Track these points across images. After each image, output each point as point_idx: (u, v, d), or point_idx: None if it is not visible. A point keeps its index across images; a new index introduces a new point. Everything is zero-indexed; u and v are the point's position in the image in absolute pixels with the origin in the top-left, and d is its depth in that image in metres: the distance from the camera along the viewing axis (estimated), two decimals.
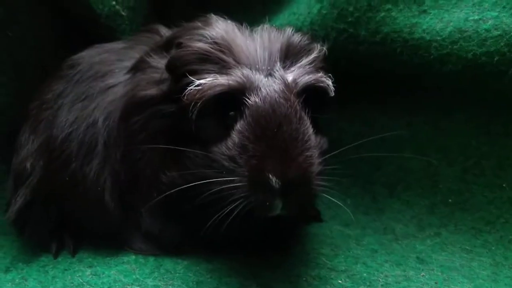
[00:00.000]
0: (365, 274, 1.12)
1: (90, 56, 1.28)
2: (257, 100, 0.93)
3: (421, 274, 1.13)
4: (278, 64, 0.98)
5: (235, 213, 0.92)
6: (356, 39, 1.35)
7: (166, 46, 1.10)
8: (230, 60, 0.97)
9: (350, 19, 1.33)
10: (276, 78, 0.96)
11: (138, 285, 1.06)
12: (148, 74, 1.10)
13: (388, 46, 1.31)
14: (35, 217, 1.23)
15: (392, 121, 1.48)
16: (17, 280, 1.12)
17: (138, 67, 1.14)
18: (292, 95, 0.95)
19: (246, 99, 0.94)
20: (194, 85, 0.95)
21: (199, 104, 0.94)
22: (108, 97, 1.17)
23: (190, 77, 0.96)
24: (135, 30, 1.53)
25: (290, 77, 0.98)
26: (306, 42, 1.05)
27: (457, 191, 1.40)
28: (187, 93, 0.96)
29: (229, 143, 0.95)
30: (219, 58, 0.97)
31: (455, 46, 1.22)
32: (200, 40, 1.00)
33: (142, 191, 1.13)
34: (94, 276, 1.11)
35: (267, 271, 1.11)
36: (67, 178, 1.16)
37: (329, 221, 1.45)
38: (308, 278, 1.10)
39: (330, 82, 1.03)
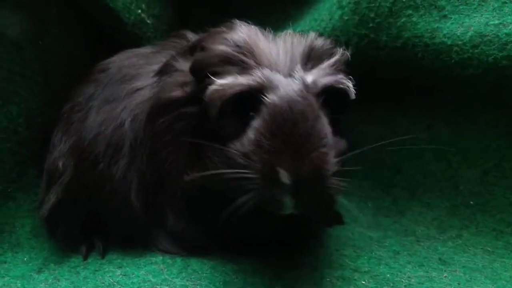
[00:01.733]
0: (388, 275, 1.13)
1: (120, 60, 1.31)
2: (275, 98, 0.93)
3: (444, 275, 1.14)
4: (299, 65, 0.99)
5: (248, 207, 0.91)
6: (377, 45, 1.36)
7: (191, 50, 1.13)
8: (251, 62, 0.98)
9: (371, 25, 1.35)
10: (295, 79, 0.96)
11: (167, 285, 1.07)
12: (174, 77, 1.12)
13: (409, 51, 1.32)
14: (67, 215, 1.27)
15: (412, 123, 1.49)
16: (50, 281, 1.15)
17: (164, 71, 1.17)
18: (311, 94, 0.95)
19: (264, 97, 0.94)
20: (215, 85, 0.97)
21: (219, 103, 0.96)
22: (135, 100, 1.20)
23: (212, 78, 0.98)
24: (160, 38, 1.57)
25: (310, 78, 0.98)
26: (329, 46, 1.06)
27: (478, 193, 1.40)
28: (208, 93, 0.98)
29: (245, 140, 0.95)
30: (240, 60, 0.99)
31: (476, 50, 1.23)
32: (222, 43, 1.01)
33: (167, 191, 1.15)
34: (124, 277, 1.13)
35: (291, 272, 1.13)
36: (95, 178, 1.19)
37: (351, 223, 1.46)
38: (332, 279, 1.11)
39: (350, 84, 1.04)
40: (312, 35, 1.06)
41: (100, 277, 1.14)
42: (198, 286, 1.07)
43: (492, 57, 1.21)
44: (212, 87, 0.97)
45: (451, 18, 1.27)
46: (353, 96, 1.04)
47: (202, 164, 1.03)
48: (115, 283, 1.10)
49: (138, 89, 1.22)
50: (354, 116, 1.59)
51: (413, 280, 1.11)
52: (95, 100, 1.26)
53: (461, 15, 1.27)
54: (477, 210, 1.40)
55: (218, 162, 0.99)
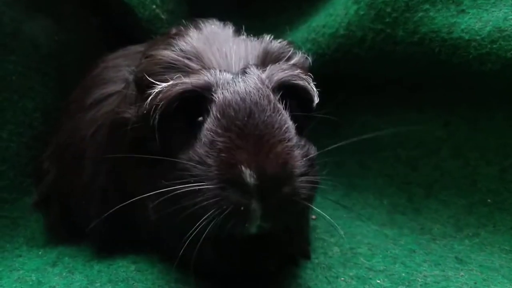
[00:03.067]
0: (403, 274, 1.12)
1: (109, 59, 1.27)
2: (225, 93, 0.83)
3: (460, 274, 1.12)
4: (253, 66, 0.90)
5: (208, 232, 0.80)
6: (393, 40, 1.35)
7: (140, 60, 1.03)
8: (196, 65, 0.90)
9: (387, 20, 1.34)
10: (248, 74, 0.87)
11: (181, 283, 1.07)
12: (130, 91, 1.02)
13: (426, 46, 1.30)
14: (52, 214, 1.30)
15: (429, 120, 1.47)
16: (64, 274, 1.15)
17: (127, 80, 1.09)
18: (265, 86, 0.85)
19: (213, 94, 0.84)
20: (156, 88, 0.87)
21: (160, 107, 0.85)
22: (103, 108, 1.14)
23: (155, 83, 0.88)
24: None
25: (264, 74, 0.88)
26: (286, 49, 0.98)
27: (496, 191, 1.38)
28: (149, 98, 0.87)
29: (197, 145, 0.84)
30: (184, 65, 0.90)
31: (494, 46, 1.20)
32: (166, 49, 0.94)
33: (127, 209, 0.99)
34: (138, 272, 1.13)
35: (305, 272, 1.12)
36: (65, 187, 1.20)
37: (366, 221, 1.45)
38: (346, 278, 1.10)
39: (311, 83, 0.94)
40: (266, 38, 0.99)
41: (114, 271, 1.14)
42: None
43: (511, 52, 1.19)
44: (153, 92, 0.87)
45: (469, 12, 1.25)
46: (314, 95, 0.94)
47: (154, 183, 0.91)
48: (129, 278, 1.10)
49: (108, 96, 1.16)
50: (370, 114, 1.58)
51: (429, 279, 1.10)
52: (74, 103, 1.24)
53: (479, 10, 1.25)
54: (494, 208, 1.37)
55: (170, 179, 0.86)
